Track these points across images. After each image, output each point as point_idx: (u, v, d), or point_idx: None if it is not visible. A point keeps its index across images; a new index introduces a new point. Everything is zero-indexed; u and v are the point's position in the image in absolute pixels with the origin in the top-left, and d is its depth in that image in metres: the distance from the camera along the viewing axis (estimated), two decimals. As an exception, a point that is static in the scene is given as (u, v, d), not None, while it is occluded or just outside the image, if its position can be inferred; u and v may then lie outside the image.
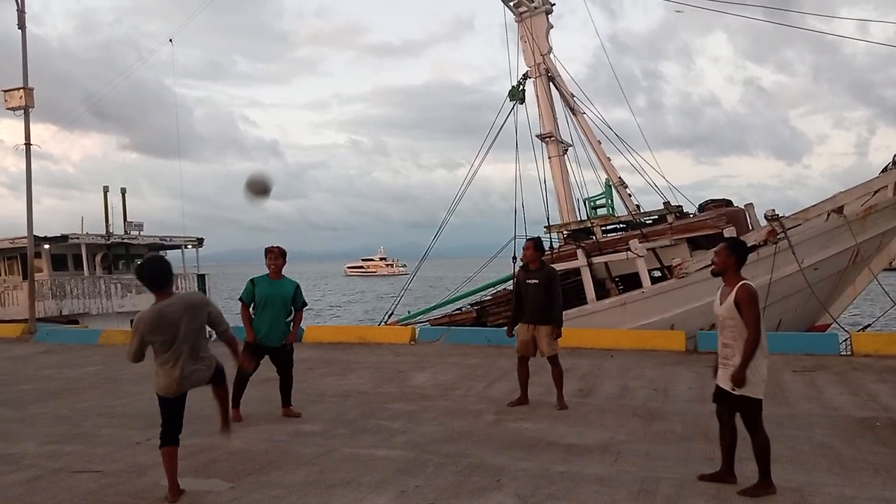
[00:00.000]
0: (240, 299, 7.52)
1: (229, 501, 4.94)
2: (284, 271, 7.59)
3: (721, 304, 4.94)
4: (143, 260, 5.14)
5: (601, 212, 18.98)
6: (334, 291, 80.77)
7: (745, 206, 16.86)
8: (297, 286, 7.66)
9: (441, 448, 6.18)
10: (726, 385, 4.87)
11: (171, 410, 5.07)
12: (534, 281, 7.65)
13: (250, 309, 7.47)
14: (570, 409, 7.61)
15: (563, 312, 15.60)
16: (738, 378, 4.78)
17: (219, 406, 5.44)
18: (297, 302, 7.59)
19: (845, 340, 11.42)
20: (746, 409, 4.83)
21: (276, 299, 7.40)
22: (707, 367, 9.82)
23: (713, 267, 5.09)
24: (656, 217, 16.94)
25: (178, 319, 4.89)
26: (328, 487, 5.18)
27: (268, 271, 7.52)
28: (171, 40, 21.70)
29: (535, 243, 7.81)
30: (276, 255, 7.46)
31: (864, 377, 8.98)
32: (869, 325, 18.59)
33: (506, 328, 8.31)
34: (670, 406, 7.67)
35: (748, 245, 4.97)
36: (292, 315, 7.62)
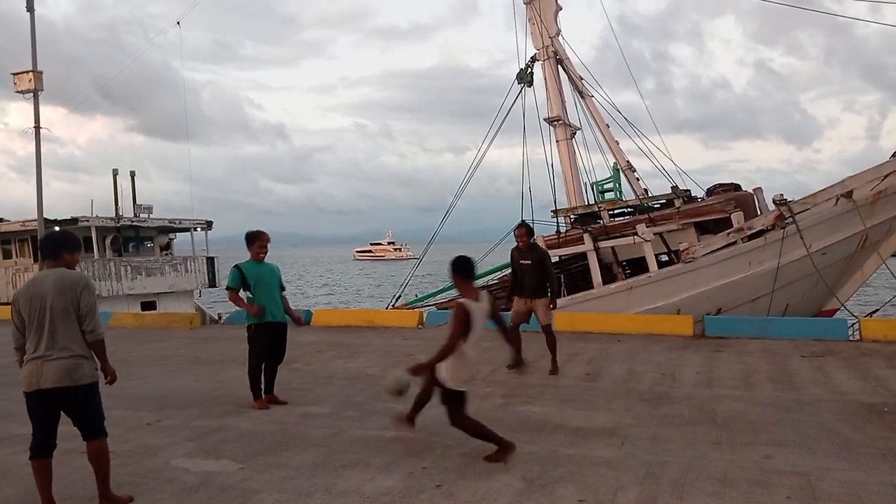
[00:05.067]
0: (227, 288, 7.42)
1: (239, 482, 4.99)
2: (281, 256, 7.64)
3: None
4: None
5: (609, 196, 18.87)
6: (343, 275, 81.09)
7: (754, 190, 16.73)
8: (279, 268, 7.79)
9: (449, 430, 6.18)
10: None
11: (33, 412, 4.37)
12: (527, 262, 8.64)
13: (240, 292, 7.37)
14: (577, 392, 7.64)
15: (571, 297, 15.64)
16: (413, 367, 5.42)
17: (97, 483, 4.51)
18: (280, 282, 7.66)
19: (853, 325, 11.39)
20: (440, 394, 5.38)
21: (267, 277, 7.44)
22: (715, 352, 9.88)
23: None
24: (664, 201, 16.86)
25: (46, 293, 4.29)
26: (337, 468, 5.23)
27: (249, 258, 7.46)
28: (178, 23, 21.62)
29: (527, 229, 8.85)
30: (267, 240, 7.56)
31: (873, 363, 8.96)
32: (875, 311, 18.46)
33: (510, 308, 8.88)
34: (677, 390, 7.68)
35: (472, 263, 5.59)
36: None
